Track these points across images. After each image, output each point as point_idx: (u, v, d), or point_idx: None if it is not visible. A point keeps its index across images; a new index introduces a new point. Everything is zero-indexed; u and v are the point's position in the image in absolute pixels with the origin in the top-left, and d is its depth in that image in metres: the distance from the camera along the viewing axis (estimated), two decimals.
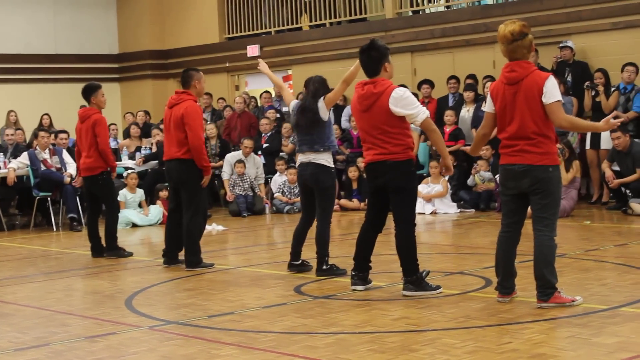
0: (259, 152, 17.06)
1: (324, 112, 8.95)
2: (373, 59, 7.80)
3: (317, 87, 9.08)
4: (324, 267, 8.91)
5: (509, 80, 7.01)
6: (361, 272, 8.09)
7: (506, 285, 7.19)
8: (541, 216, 6.94)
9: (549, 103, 6.89)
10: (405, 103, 7.62)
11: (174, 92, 10.15)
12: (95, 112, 11.21)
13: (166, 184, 15.78)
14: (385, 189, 7.86)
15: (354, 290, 8.07)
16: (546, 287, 6.91)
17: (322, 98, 9.01)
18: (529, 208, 7.08)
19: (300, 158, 9.10)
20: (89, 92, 11.27)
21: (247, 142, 16.47)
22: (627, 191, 13.49)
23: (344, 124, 17.76)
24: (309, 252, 9.22)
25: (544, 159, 6.90)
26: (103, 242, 11.26)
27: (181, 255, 10.04)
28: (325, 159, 8.95)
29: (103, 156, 11.12)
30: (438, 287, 7.77)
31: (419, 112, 7.64)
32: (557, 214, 7.04)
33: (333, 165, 9.05)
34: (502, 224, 7.22)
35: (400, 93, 7.64)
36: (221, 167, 16.55)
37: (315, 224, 9.07)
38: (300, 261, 9.18)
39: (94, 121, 11.10)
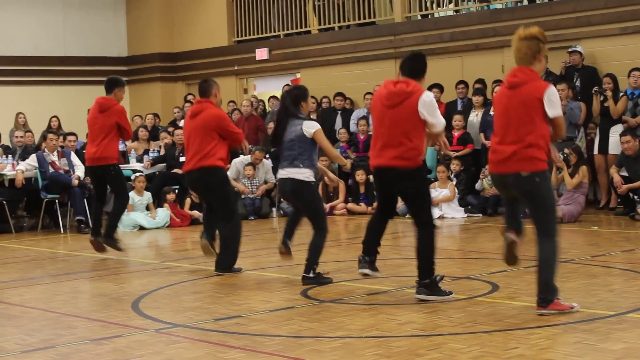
0: (267, 156, 17.07)
1: (309, 131, 8.77)
2: (418, 65, 7.88)
3: (294, 99, 8.93)
4: (310, 275, 8.78)
5: (509, 84, 7.01)
6: (369, 255, 8.10)
7: None
8: (538, 223, 6.92)
9: (553, 117, 6.85)
10: (431, 109, 7.65)
11: (194, 102, 10.20)
12: (116, 103, 11.29)
13: (174, 187, 15.86)
14: (395, 194, 7.93)
15: (360, 273, 8.09)
16: (546, 293, 6.86)
17: (309, 120, 8.89)
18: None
19: (280, 172, 8.99)
20: (115, 84, 11.33)
21: (258, 154, 16.43)
22: (635, 197, 13.46)
23: (352, 127, 17.76)
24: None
25: (531, 166, 6.81)
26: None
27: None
28: (305, 174, 8.78)
29: (125, 140, 11.40)
30: (450, 293, 7.77)
31: (440, 123, 7.71)
32: (552, 218, 6.93)
33: (313, 180, 8.87)
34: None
35: (430, 98, 7.69)
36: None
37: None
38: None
39: (118, 112, 11.18)
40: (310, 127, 8.78)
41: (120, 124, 11.20)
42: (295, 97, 8.95)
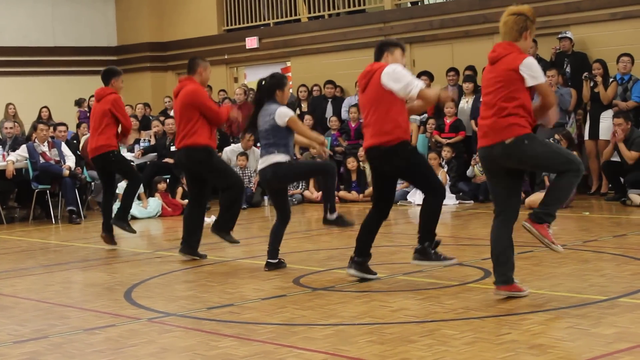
0: (258, 145, 17.04)
1: (281, 120, 8.72)
2: (381, 49, 8.00)
3: (269, 87, 8.89)
4: (329, 217, 8.87)
5: (490, 60, 7.01)
6: (359, 256, 8.10)
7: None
8: (554, 170, 6.99)
9: (534, 85, 6.82)
10: (394, 76, 7.68)
11: (179, 81, 10.19)
12: (112, 91, 11.19)
13: (164, 176, 15.85)
14: (388, 176, 7.98)
15: (347, 273, 8.14)
16: (542, 213, 6.87)
17: (282, 106, 8.82)
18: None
19: (259, 163, 8.97)
20: (111, 75, 11.26)
21: (247, 138, 16.46)
22: (626, 182, 13.48)
23: (344, 114, 17.76)
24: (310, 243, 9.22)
25: (511, 132, 6.78)
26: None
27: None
28: (279, 158, 8.73)
29: (126, 131, 11.30)
30: (450, 258, 7.84)
31: (409, 85, 7.65)
32: (567, 158, 6.88)
33: (288, 159, 8.81)
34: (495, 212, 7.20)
35: (393, 68, 7.72)
36: None
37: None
38: (277, 260, 9.01)
39: (112, 101, 11.07)
40: (283, 116, 8.70)
41: (114, 112, 11.07)
42: (269, 85, 8.89)
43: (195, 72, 9.96)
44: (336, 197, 15.72)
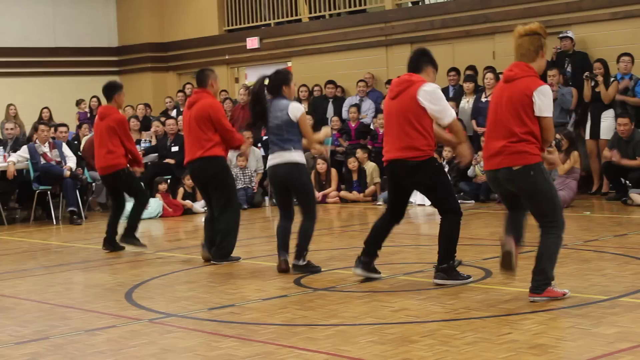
0: (259, 145, 17.06)
1: (294, 115, 8.69)
2: (421, 59, 7.87)
3: (276, 83, 8.84)
4: (301, 263, 8.74)
5: (505, 78, 6.95)
6: (366, 256, 8.07)
7: None
8: (539, 217, 6.89)
9: (541, 117, 6.77)
10: (433, 98, 7.60)
11: (192, 92, 10.14)
12: (115, 111, 11.07)
13: (165, 176, 15.85)
14: (407, 189, 7.95)
15: (353, 272, 8.10)
16: (542, 281, 6.85)
17: (293, 102, 8.80)
18: None
19: (271, 159, 8.86)
20: (113, 91, 11.06)
21: (247, 133, 16.46)
22: (627, 181, 13.48)
23: (345, 115, 17.75)
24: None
25: (521, 160, 6.77)
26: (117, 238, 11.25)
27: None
28: (297, 157, 8.72)
29: (133, 155, 11.08)
30: (468, 277, 7.81)
31: (445, 114, 7.63)
32: (555, 209, 6.86)
33: (305, 162, 8.84)
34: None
35: (432, 87, 7.65)
36: None
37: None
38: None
39: (117, 121, 10.91)
40: (296, 111, 8.68)
41: (119, 134, 10.89)
42: (275, 82, 8.83)
43: (207, 85, 9.90)
44: (337, 198, 15.94)
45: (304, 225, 8.76)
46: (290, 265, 8.79)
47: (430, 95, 7.59)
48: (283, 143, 8.69)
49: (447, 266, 7.76)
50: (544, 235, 6.87)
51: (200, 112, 9.68)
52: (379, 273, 8.15)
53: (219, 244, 9.74)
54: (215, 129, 9.68)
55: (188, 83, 20.98)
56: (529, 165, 6.76)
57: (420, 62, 7.85)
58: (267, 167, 9.04)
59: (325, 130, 9.37)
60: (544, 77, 14.96)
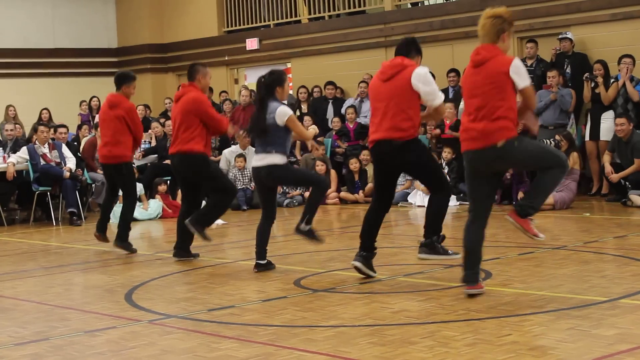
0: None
1: (281, 119, 8.72)
2: (411, 46, 8.10)
3: (270, 84, 8.88)
4: (303, 227, 8.87)
5: (474, 63, 7.07)
6: (364, 251, 8.14)
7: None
8: (546, 168, 7.01)
9: (523, 88, 6.91)
10: (425, 80, 7.80)
11: (180, 87, 10.21)
12: (125, 100, 11.04)
13: (165, 178, 15.85)
14: (393, 171, 8.04)
15: (352, 264, 8.15)
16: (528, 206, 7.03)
17: (282, 105, 8.82)
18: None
19: (255, 160, 8.93)
20: (122, 81, 11.10)
21: (243, 136, 16.45)
22: (627, 183, 13.48)
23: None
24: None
25: (502, 135, 6.88)
26: (109, 231, 11.34)
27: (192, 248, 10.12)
28: (276, 159, 8.75)
29: (138, 144, 11.22)
30: (455, 253, 7.86)
31: (436, 94, 7.87)
32: (555, 152, 7.10)
33: (285, 162, 8.87)
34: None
35: (425, 71, 7.86)
36: (219, 161, 16.55)
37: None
38: (266, 260, 9.01)
39: (127, 110, 10.93)
40: (283, 115, 8.71)
41: (128, 122, 10.92)
42: (269, 82, 8.89)
43: (195, 79, 9.97)
44: (337, 199, 15.94)
45: (313, 194, 8.92)
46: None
47: (424, 78, 7.81)
48: (266, 145, 8.77)
49: (429, 241, 7.88)
50: (546, 173, 6.99)
51: (184, 106, 9.82)
52: (375, 273, 8.20)
53: (202, 211, 9.87)
54: (198, 121, 9.76)
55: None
56: (511, 139, 6.90)
57: (411, 48, 8.07)
58: (251, 166, 9.11)
59: (312, 127, 9.61)
60: (543, 79, 15.03)
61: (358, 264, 8.13)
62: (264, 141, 8.79)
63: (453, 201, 14.67)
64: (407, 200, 14.93)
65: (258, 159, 8.85)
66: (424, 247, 7.92)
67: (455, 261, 7.94)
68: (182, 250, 10.08)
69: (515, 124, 6.99)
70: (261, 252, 8.98)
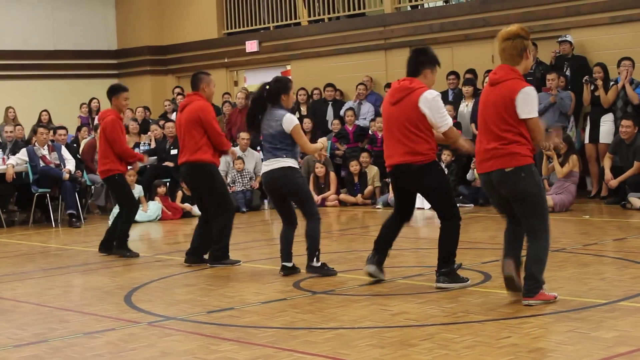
0: (258, 148, 17.05)
1: (288, 127, 8.70)
2: (418, 61, 7.90)
3: (275, 91, 8.83)
4: (315, 264, 8.76)
5: (490, 81, 7.03)
6: (377, 253, 8.10)
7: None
8: (527, 220, 6.89)
9: (526, 119, 6.81)
10: (433, 106, 7.67)
11: (185, 95, 10.21)
12: (110, 114, 10.95)
13: (164, 179, 15.86)
14: (413, 192, 8.01)
15: (365, 271, 8.10)
16: (533, 285, 6.84)
17: (288, 113, 8.80)
18: None
19: (265, 165, 8.88)
20: (111, 94, 11.08)
21: (244, 135, 16.48)
22: (626, 185, 13.48)
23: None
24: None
25: (512, 161, 6.80)
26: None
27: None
28: (288, 163, 8.72)
29: (124, 158, 11.00)
30: (467, 279, 7.86)
31: (442, 123, 7.70)
32: (543, 213, 6.89)
33: (297, 166, 8.85)
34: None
35: (433, 95, 7.70)
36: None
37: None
38: (292, 264, 8.93)
39: (105, 124, 10.88)
40: (290, 124, 8.68)
41: (107, 136, 10.80)
42: (275, 89, 8.82)
43: (199, 88, 9.94)
44: (336, 201, 15.93)
45: (309, 227, 8.77)
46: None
47: (431, 103, 7.66)
48: (276, 151, 8.73)
49: (449, 269, 7.79)
50: (532, 240, 6.88)
51: (190, 115, 9.76)
52: (384, 276, 8.17)
53: (214, 247, 9.76)
54: (204, 131, 9.74)
55: (177, 87, 21.08)
56: (520, 167, 6.81)
57: (418, 65, 7.89)
58: (261, 173, 9.03)
59: (321, 140, 9.48)
60: (542, 82, 15.04)
61: (372, 268, 8.08)
62: (273, 147, 8.74)
63: None
64: None
65: (268, 164, 8.78)
66: (444, 277, 7.79)
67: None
68: (194, 256, 9.96)
69: (530, 149, 6.85)
70: (287, 254, 8.86)
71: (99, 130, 11.27)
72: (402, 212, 8.12)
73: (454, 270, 7.83)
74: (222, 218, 9.73)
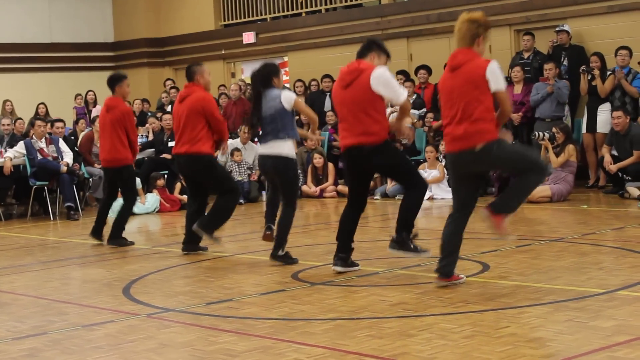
0: (256, 140, 17.03)
1: (288, 103, 8.81)
2: (366, 45, 8.09)
3: (266, 75, 8.99)
4: (280, 253, 8.89)
5: (451, 67, 7.17)
6: (342, 252, 8.21)
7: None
8: (523, 171, 7.08)
9: (495, 90, 6.99)
10: (385, 82, 7.79)
11: (184, 86, 10.21)
12: (121, 103, 11.09)
13: (162, 172, 15.84)
14: (367, 174, 8.16)
15: (334, 270, 8.19)
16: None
17: (285, 90, 8.95)
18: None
19: (263, 148, 9.00)
20: (114, 82, 11.08)
21: (245, 128, 16.45)
22: (624, 175, 13.48)
23: None
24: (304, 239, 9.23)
25: (482, 138, 6.98)
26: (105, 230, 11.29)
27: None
28: (287, 148, 8.83)
29: (133, 148, 11.12)
30: (424, 251, 7.98)
31: (398, 94, 7.85)
32: (533, 157, 7.16)
33: (294, 156, 8.96)
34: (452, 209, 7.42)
35: (382, 71, 7.83)
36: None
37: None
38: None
39: (124, 113, 10.95)
40: (290, 99, 8.81)
41: (125, 125, 10.95)
42: (266, 73, 8.98)
43: (194, 80, 9.94)
44: (334, 192, 15.92)
45: (284, 216, 8.90)
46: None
47: (381, 79, 7.79)
48: (278, 132, 8.79)
49: (400, 237, 7.94)
50: (525, 176, 7.07)
51: (193, 105, 9.79)
52: (357, 265, 8.28)
53: (209, 215, 9.87)
54: (205, 122, 9.77)
55: (168, 79, 21.10)
56: (490, 142, 6.99)
57: (364, 49, 8.07)
58: (258, 154, 9.19)
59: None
60: (540, 72, 15.03)
61: (339, 268, 8.21)
62: (273, 128, 8.80)
63: (450, 194, 14.63)
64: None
65: (267, 147, 8.88)
66: (394, 243, 7.99)
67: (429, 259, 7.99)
68: (191, 244, 10.03)
69: (495, 125, 7.06)
70: (271, 217, 9.24)
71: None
72: (356, 201, 8.22)
73: (403, 239, 7.93)
74: (228, 197, 9.85)
